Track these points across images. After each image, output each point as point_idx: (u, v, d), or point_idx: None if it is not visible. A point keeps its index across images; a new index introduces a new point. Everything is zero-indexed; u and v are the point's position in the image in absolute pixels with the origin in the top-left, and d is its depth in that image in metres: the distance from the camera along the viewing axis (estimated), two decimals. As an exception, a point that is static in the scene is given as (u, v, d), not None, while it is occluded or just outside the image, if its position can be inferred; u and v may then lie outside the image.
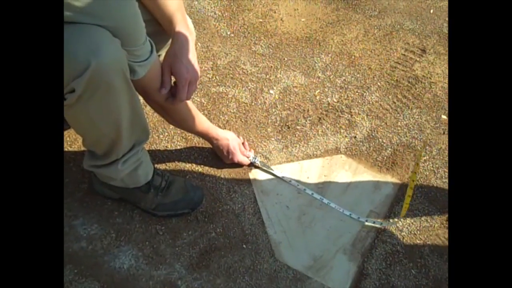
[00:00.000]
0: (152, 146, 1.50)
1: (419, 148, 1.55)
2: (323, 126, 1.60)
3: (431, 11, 2.03)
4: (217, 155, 1.46)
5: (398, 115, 1.64)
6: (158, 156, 1.48)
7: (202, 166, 1.46)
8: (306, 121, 1.61)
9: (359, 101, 1.67)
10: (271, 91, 1.68)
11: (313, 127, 1.59)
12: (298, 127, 1.59)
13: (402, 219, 1.38)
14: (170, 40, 1.14)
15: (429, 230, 1.37)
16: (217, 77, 1.72)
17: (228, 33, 1.88)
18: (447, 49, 1.86)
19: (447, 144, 1.56)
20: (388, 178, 1.48)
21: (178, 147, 1.51)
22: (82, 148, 1.42)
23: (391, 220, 1.38)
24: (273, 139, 1.56)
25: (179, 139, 1.52)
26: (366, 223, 1.36)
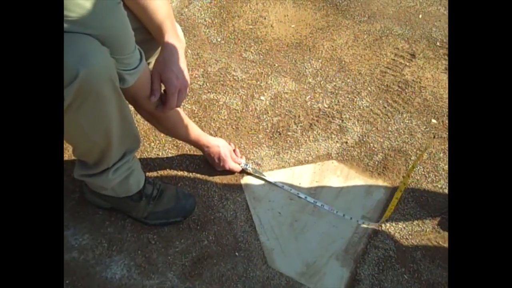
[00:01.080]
0: (143, 154, 1.49)
1: (410, 153, 1.56)
2: (314, 131, 1.60)
3: (420, 16, 2.04)
4: (208, 162, 1.45)
5: (389, 119, 1.65)
6: (149, 164, 1.47)
7: (193, 173, 1.46)
8: (297, 127, 1.61)
9: (350, 106, 1.68)
10: (262, 98, 1.69)
11: (304, 133, 1.59)
12: (289, 133, 1.59)
13: (394, 224, 1.39)
14: (160, 48, 1.14)
15: (421, 234, 1.37)
16: (207, 84, 1.72)
17: (218, 39, 1.88)
18: (436, 53, 1.88)
19: (438, 148, 1.57)
20: (380, 183, 1.48)
21: (170, 155, 1.50)
22: (73, 157, 1.41)
23: (383, 226, 1.38)
24: (264, 145, 1.56)
25: (170, 146, 1.52)
26: (362, 225, 1.36)
